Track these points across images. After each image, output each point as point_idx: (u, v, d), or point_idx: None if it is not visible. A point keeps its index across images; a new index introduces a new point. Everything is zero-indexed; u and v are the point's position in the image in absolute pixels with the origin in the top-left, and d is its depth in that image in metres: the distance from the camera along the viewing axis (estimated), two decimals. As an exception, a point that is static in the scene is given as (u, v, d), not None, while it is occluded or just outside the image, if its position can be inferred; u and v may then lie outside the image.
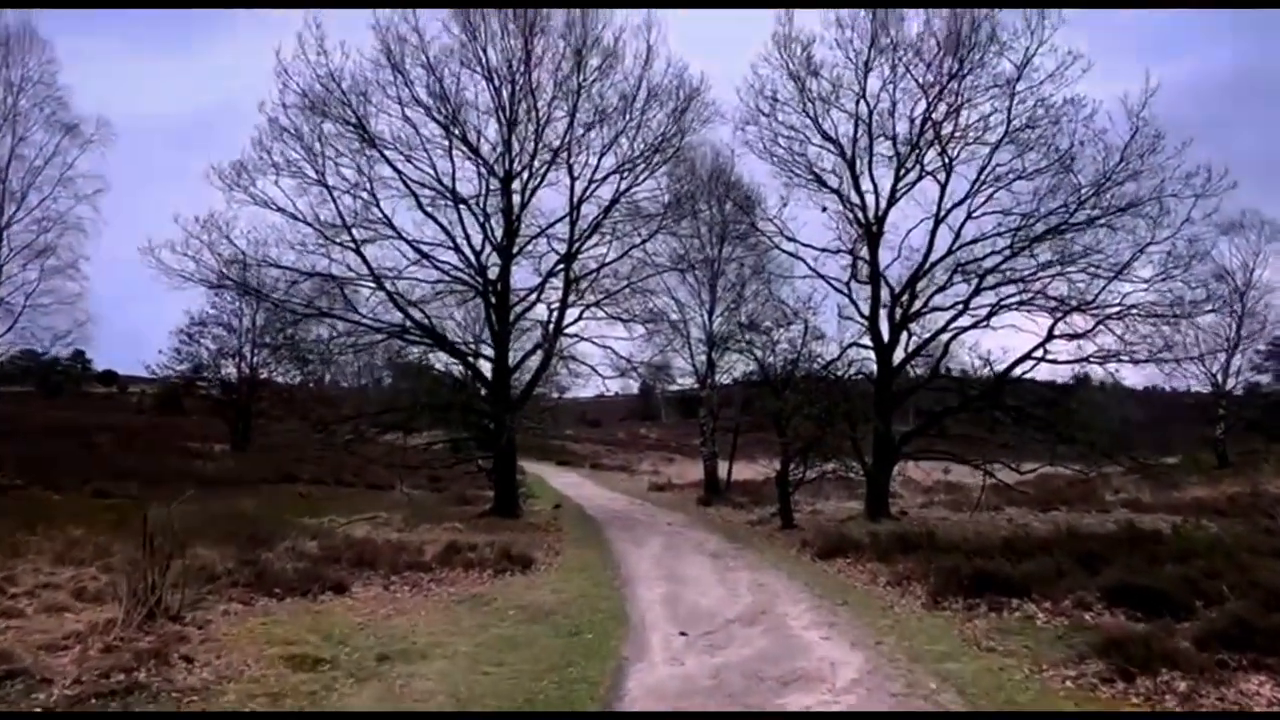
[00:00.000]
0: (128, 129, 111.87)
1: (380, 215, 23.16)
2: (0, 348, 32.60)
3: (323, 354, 26.24)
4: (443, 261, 23.83)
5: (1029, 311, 22.38)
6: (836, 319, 24.53)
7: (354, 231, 23.14)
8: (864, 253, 23.59)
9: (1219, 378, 42.95)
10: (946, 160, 22.34)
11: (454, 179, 23.44)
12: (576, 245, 24.52)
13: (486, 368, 25.20)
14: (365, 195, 22.96)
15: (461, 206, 23.66)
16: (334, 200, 22.86)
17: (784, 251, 25.15)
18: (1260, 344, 46.09)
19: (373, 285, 23.63)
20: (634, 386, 59.70)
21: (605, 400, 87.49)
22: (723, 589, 13.12)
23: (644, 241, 25.60)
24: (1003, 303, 22.64)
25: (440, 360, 25.75)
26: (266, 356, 42.83)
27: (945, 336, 23.59)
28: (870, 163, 23.29)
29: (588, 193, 24.47)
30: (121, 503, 21.86)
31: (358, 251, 23.27)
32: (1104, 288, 21.32)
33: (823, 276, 24.15)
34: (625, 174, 24.30)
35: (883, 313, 23.69)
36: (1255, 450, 46.09)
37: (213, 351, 42.75)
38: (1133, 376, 22.40)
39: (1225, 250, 39.19)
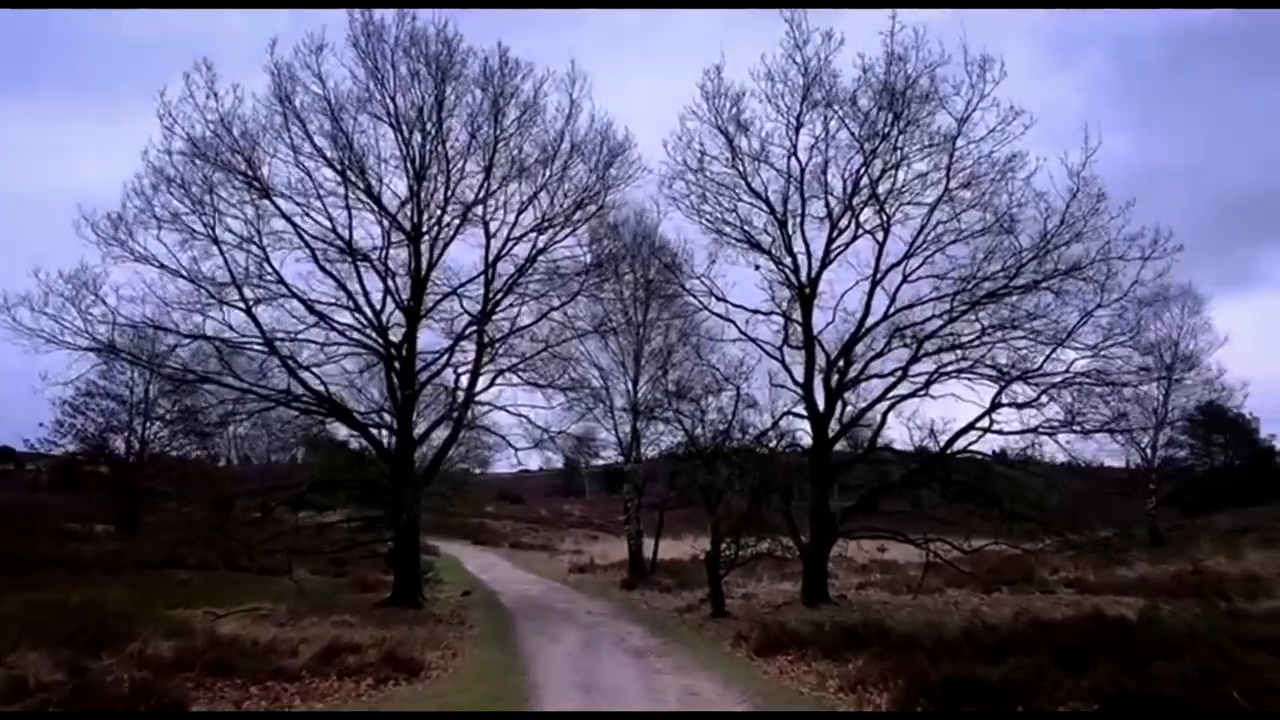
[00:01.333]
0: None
1: (272, 271, 21.01)
2: None
3: (222, 422, 23.90)
4: (340, 323, 21.71)
5: (970, 380, 21.22)
6: (769, 386, 23.03)
7: (244, 290, 21.01)
8: (797, 315, 22.17)
9: (1148, 451, 42.50)
10: (884, 218, 21.14)
11: (350, 231, 21.40)
12: (491, 306, 22.60)
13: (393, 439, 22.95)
14: (255, 250, 20.85)
15: (362, 264, 21.67)
16: (223, 255, 20.75)
17: (713, 314, 23.52)
18: (1180, 419, 45.91)
19: (264, 349, 21.43)
20: (557, 462, 57.64)
21: (528, 476, 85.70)
22: (647, 699, 11.07)
23: (564, 304, 23.85)
24: (942, 370, 21.45)
25: (341, 432, 23.44)
26: (160, 429, 39.94)
27: (883, 406, 22.19)
28: (802, 222, 22.06)
29: (504, 250, 22.67)
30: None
31: (249, 312, 21.09)
32: (1049, 355, 20.24)
33: (754, 340, 22.67)
34: (545, 230, 22.61)
35: (818, 380, 22.25)
36: (1182, 525, 45.80)
37: (100, 424, 39.31)
38: (1053, 450, 21.03)
39: (1150, 325, 38.85)
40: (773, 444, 21.78)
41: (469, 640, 16.35)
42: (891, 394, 21.86)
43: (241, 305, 21.00)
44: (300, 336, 21.50)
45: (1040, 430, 20.04)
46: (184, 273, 20.57)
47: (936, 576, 23.06)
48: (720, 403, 22.39)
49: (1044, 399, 20.28)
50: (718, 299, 22.80)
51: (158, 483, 41.04)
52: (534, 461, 59.14)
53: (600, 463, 36.90)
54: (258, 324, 21.14)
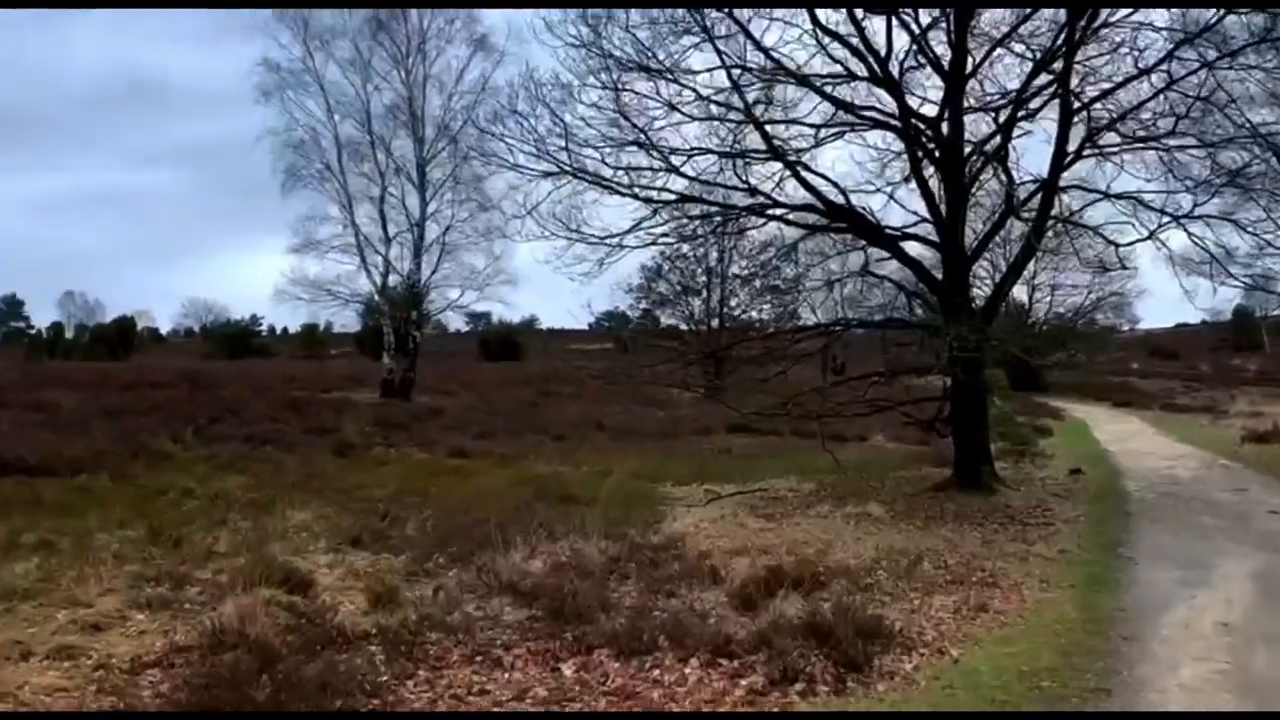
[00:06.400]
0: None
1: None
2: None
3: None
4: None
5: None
6: None
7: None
8: None
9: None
10: None
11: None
12: (1080, 33, 14.18)
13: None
14: None
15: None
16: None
17: None
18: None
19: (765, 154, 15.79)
20: (1225, 312, 46.00)
21: (1184, 330, 71.91)
22: None
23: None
24: None
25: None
26: (738, 288, 38.12)
27: None
28: None
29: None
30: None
31: (748, 112, 15.44)
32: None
33: None
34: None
35: None
36: None
37: (675, 287, 38.15)
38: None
39: None
40: None
41: (1034, 568, 8.97)
42: None
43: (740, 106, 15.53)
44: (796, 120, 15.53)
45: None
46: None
47: None
48: None
49: None
50: None
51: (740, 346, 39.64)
52: (1195, 315, 48.25)
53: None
54: (762, 129, 15.43)
